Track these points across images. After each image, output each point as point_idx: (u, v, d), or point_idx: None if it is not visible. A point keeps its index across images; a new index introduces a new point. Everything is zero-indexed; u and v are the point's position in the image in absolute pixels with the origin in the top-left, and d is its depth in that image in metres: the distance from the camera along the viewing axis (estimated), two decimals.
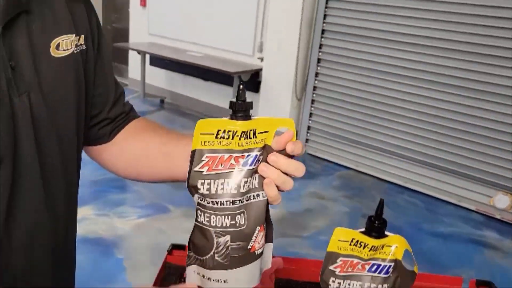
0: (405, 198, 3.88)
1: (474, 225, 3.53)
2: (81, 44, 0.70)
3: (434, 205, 3.80)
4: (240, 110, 0.58)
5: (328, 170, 4.34)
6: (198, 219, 0.60)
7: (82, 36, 0.70)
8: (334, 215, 3.49)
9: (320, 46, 4.33)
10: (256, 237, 0.61)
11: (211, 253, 0.60)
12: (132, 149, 0.82)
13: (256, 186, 0.60)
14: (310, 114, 4.56)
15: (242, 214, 0.59)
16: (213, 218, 0.59)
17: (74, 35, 0.67)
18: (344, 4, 4.13)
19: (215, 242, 0.59)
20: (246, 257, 0.61)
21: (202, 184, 0.58)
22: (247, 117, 0.59)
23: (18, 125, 0.59)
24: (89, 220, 3.06)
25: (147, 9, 5.99)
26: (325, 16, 4.25)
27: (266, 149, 0.61)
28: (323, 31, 4.29)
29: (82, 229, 2.94)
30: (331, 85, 4.35)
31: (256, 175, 0.60)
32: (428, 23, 3.67)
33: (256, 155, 0.59)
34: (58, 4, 0.66)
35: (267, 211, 0.63)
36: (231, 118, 0.59)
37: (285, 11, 4.51)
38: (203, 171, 0.58)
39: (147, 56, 5.81)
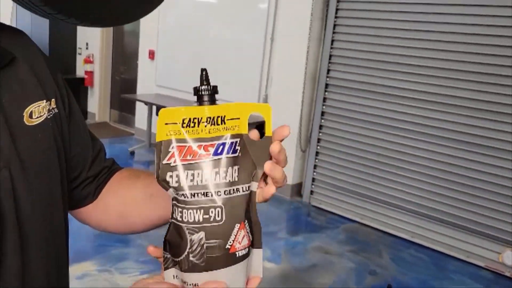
0: (412, 253, 3.80)
1: (483, 283, 3.43)
2: (53, 108, 0.69)
3: (442, 261, 3.72)
4: (205, 94, 0.54)
5: (333, 222, 4.29)
6: (173, 216, 0.55)
7: (53, 99, 0.69)
8: (340, 271, 3.42)
9: (324, 99, 4.40)
10: (235, 235, 0.54)
11: (185, 252, 0.54)
12: (118, 200, 0.80)
13: (236, 179, 0.54)
14: (315, 166, 4.57)
15: (217, 209, 0.53)
16: (185, 213, 0.53)
17: (45, 100, 0.67)
18: (347, 59, 4.23)
19: (188, 240, 0.53)
20: (225, 258, 0.54)
21: (171, 177, 0.53)
22: (213, 102, 0.55)
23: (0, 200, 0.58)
24: (90, 277, 3.01)
25: (155, 62, 6.16)
26: (328, 70, 4.35)
27: (243, 139, 0.55)
28: (326, 85, 4.37)
29: (83, 286, 2.89)
30: (335, 137, 4.38)
31: (236, 167, 0.54)
32: (432, 80, 3.74)
33: (232, 143, 0.54)
34: (23, 73, 0.66)
35: (253, 208, 0.57)
36: (197, 104, 0.55)
37: (289, 66, 4.62)
38: (170, 163, 0.53)
39: (154, 107, 5.91)
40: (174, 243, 0.55)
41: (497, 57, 3.42)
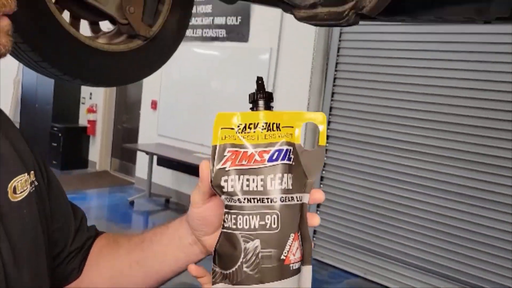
0: None
1: None
2: (33, 181, 0.67)
3: None
4: (261, 99, 0.54)
5: (336, 277, 4.17)
6: (225, 225, 0.54)
7: (32, 172, 0.68)
8: None
9: (325, 151, 4.39)
10: (290, 246, 0.53)
11: (239, 263, 0.52)
12: (103, 277, 0.77)
13: (291, 187, 0.54)
14: None
15: (273, 215, 0.52)
16: (239, 219, 0.52)
17: (26, 174, 0.66)
18: (347, 112, 4.27)
19: (242, 249, 0.52)
20: (279, 270, 0.52)
21: (226, 181, 0.53)
22: (269, 107, 0.55)
23: None
24: None
25: (157, 112, 6.22)
26: (329, 122, 4.38)
27: (295, 148, 0.55)
28: (327, 137, 4.38)
29: None
30: (337, 189, 4.34)
31: (290, 175, 0.54)
32: (434, 133, 3.76)
33: (287, 150, 0.54)
34: (4, 148, 0.65)
35: (303, 221, 0.56)
36: (252, 110, 0.55)
37: None
38: (225, 167, 0.53)
39: (155, 157, 5.92)
40: (225, 254, 0.53)
41: (495, 111, 3.45)
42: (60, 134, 7.06)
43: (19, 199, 0.63)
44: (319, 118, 0.57)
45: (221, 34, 5.58)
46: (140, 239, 0.75)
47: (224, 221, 0.54)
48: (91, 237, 0.80)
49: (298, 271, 0.55)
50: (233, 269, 0.53)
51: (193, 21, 5.85)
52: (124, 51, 1.57)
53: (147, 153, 5.77)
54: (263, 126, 0.54)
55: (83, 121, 7.41)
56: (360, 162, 4.18)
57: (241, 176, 0.53)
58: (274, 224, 0.52)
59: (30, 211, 0.65)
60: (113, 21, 1.53)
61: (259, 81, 0.56)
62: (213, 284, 0.55)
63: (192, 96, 5.77)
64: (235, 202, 0.53)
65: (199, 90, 5.69)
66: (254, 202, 0.52)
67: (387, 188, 4.02)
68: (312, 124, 0.57)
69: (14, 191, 0.63)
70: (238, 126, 0.54)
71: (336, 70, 4.35)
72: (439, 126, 3.72)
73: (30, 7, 1.29)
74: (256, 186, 0.53)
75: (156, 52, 1.70)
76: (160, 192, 6.09)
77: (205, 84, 5.63)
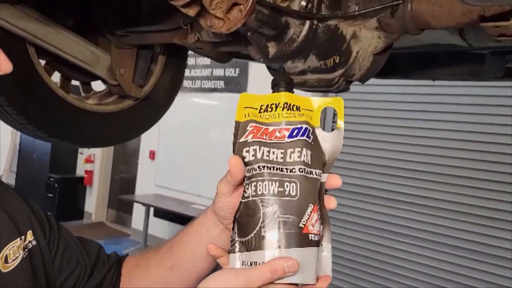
0: None
1: None
2: (29, 242, 0.67)
3: None
4: (283, 83, 0.58)
5: None
6: (245, 194, 0.56)
7: (29, 232, 0.67)
8: None
9: None
10: (309, 216, 0.54)
11: (257, 228, 0.53)
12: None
13: (309, 162, 0.56)
14: None
15: (292, 183, 0.54)
16: (259, 185, 0.54)
17: (18, 238, 0.65)
18: (344, 163, 4.23)
19: (261, 214, 0.53)
20: (298, 237, 0.53)
21: (247, 151, 0.56)
22: (290, 89, 0.58)
23: None
24: None
25: (155, 162, 6.19)
26: None
27: (314, 131, 0.58)
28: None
29: None
30: (334, 242, 4.24)
31: (309, 152, 0.56)
32: (427, 184, 3.71)
33: (307, 129, 0.57)
34: None
35: (322, 200, 0.58)
36: (273, 92, 0.59)
37: None
38: (247, 140, 0.57)
39: (151, 208, 5.82)
40: (244, 222, 0.55)
41: (492, 163, 3.42)
42: (56, 185, 6.99)
43: (11, 268, 0.62)
44: (337, 102, 0.60)
45: (219, 85, 5.65)
46: (168, 246, 0.77)
47: (244, 192, 0.56)
48: (112, 265, 0.82)
49: (317, 244, 0.55)
50: (252, 234, 0.54)
51: (192, 73, 5.93)
52: (115, 111, 1.54)
53: (143, 204, 5.68)
54: (284, 106, 0.57)
55: (80, 171, 7.36)
56: (357, 214, 4.10)
57: (262, 147, 0.56)
58: (293, 191, 0.54)
59: (24, 277, 0.64)
60: (105, 80, 1.51)
61: (281, 69, 0.61)
62: (229, 253, 0.56)
63: (191, 146, 5.76)
64: (255, 171, 0.55)
65: (197, 140, 5.68)
66: (273, 170, 0.55)
67: (384, 240, 3.93)
68: (331, 109, 0.62)
69: (6, 261, 0.62)
70: (261, 107, 0.58)
71: (333, 121, 4.35)
72: (438, 178, 3.68)
73: (17, 70, 1.27)
74: (276, 157, 0.56)
75: (148, 111, 1.67)
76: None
77: (204, 134, 5.63)
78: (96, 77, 1.50)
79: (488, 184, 3.46)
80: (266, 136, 0.57)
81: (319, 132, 0.59)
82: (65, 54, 1.30)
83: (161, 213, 5.87)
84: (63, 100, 1.38)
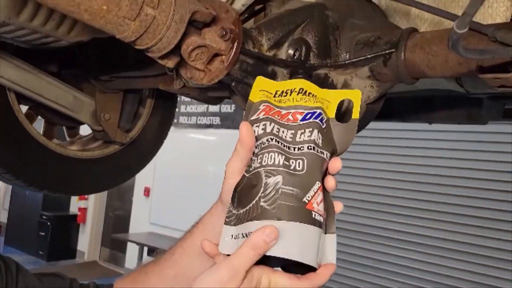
0: None
1: None
2: None
3: None
4: (301, 71, 0.60)
5: None
6: (249, 169, 0.54)
7: None
8: None
9: None
10: (315, 193, 0.51)
11: (257, 198, 0.50)
12: None
13: (320, 143, 0.54)
14: None
15: (299, 160, 0.52)
16: (265, 156, 0.52)
17: None
18: (345, 201, 4.15)
19: (263, 184, 0.51)
20: (300, 211, 0.49)
21: (258, 126, 0.55)
22: (308, 78, 0.58)
23: None
24: None
25: (150, 199, 6.09)
26: None
27: (329, 121, 0.57)
28: None
29: None
30: (332, 282, 4.11)
31: (321, 135, 0.55)
32: (419, 221, 3.63)
33: (321, 114, 0.55)
34: None
35: (326, 186, 0.55)
36: (291, 79, 0.59)
37: None
38: (259, 117, 0.56)
39: (145, 248, 5.68)
40: (244, 193, 0.52)
41: (494, 201, 3.36)
42: (48, 223, 6.84)
43: None
44: (355, 94, 0.59)
45: (215, 121, 5.62)
46: (169, 253, 0.71)
47: (249, 167, 0.54)
48: None
49: (320, 225, 0.51)
50: (250, 205, 0.51)
51: (188, 109, 5.92)
52: (100, 157, 1.48)
53: (137, 243, 5.55)
54: (299, 91, 0.57)
55: (74, 208, 7.23)
56: (349, 252, 4.01)
57: (273, 124, 0.54)
58: (300, 166, 0.52)
59: None
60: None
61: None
62: (224, 224, 0.53)
63: (187, 182, 5.67)
64: (264, 144, 0.54)
65: (193, 177, 5.60)
66: (281, 144, 0.53)
67: (375, 279, 3.82)
68: (347, 101, 0.60)
69: None
70: (276, 92, 0.58)
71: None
72: (437, 215, 3.61)
73: None
74: (285, 136, 0.54)
75: (136, 156, 1.61)
76: None
77: (200, 171, 5.55)
78: (81, 122, 1.45)
79: (482, 222, 3.40)
80: (278, 116, 0.56)
81: (333, 122, 0.57)
82: (46, 100, 1.24)
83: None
84: (44, 147, 1.32)
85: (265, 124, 0.55)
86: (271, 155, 0.52)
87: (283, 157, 0.52)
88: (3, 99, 1.21)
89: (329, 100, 0.58)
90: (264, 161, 0.52)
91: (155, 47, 0.67)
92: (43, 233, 6.83)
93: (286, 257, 0.48)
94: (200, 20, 0.69)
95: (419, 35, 0.78)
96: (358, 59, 0.82)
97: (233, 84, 0.82)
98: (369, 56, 0.80)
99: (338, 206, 0.57)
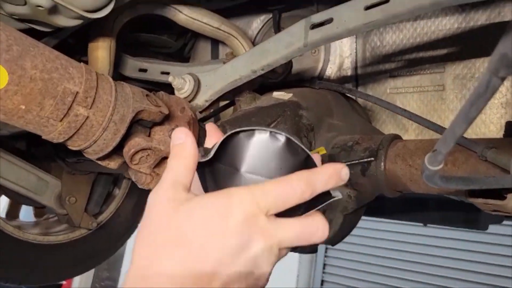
0: None
1: None
2: None
3: None
4: None
5: None
6: None
7: None
8: None
9: None
10: None
11: None
12: None
13: None
14: None
15: None
16: None
17: None
18: (338, 286, 3.92)
19: None
20: None
21: None
22: None
23: None
24: None
25: None
26: None
27: None
28: None
29: None
30: None
31: None
32: None
33: None
34: None
35: None
36: None
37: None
38: None
39: None
40: None
41: None
42: None
43: None
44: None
45: None
46: None
47: None
48: None
49: None
50: None
51: None
52: (64, 242, 1.36)
53: None
54: None
55: None
56: None
57: None
58: None
59: None
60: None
61: None
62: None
63: None
64: None
65: None
66: None
67: None
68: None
69: None
70: None
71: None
72: None
73: None
74: None
75: (106, 241, 1.49)
76: None
77: None
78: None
79: None
80: None
81: None
82: (5, 181, 1.15)
83: None
84: (1, 232, 1.20)
85: None
86: None
87: None
88: None
89: None
90: None
91: (90, 149, 0.58)
92: None
93: None
94: (148, 119, 0.61)
95: (401, 144, 0.69)
96: None
97: None
98: (345, 163, 0.71)
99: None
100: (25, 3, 0.74)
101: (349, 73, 1.02)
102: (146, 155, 0.61)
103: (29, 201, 1.36)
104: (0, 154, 1.13)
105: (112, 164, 0.62)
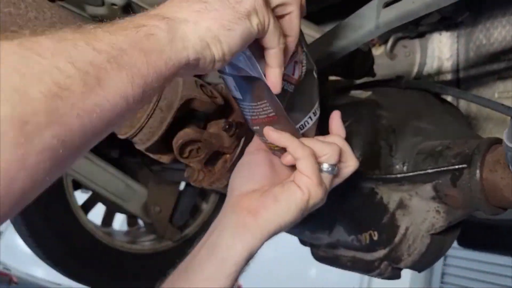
0: None
1: None
2: None
3: None
4: None
5: None
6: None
7: None
8: None
9: None
10: None
11: None
12: None
13: None
14: None
15: None
16: None
17: None
18: None
19: None
20: None
21: None
22: None
23: None
24: None
25: None
26: None
27: None
28: None
29: None
30: None
31: None
32: None
33: None
34: None
35: None
36: None
37: None
38: None
39: None
40: None
41: None
42: None
43: None
44: None
45: None
46: (183, 266, 0.54)
47: None
48: None
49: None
50: None
51: None
52: (149, 253, 1.37)
53: None
54: None
55: None
56: None
57: None
58: None
59: None
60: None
61: None
62: None
63: None
64: None
65: None
66: None
67: None
68: None
69: None
70: None
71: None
72: None
73: None
74: None
75: None
76: None
77: None
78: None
79: None
80: None
81: None
82: (96, 186, 1.20)
83: None
84: (91, 236, 1.25)
85: None
86: None
87: None
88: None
89: None
90: None
91: (136, 137, 0.55)
92: None
93: None
94: (200, 110, 0.57)
95: (502, 149, 0.55)
96: (416, 173, 0.61)
97: None
98: (429, 171, 0.59)
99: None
100: (103, 4, 0.76)
101: (449, 77, 0.89)
102: (197, 148, 0.57)
103: (121, 209, 1.41)
104: (94, 160, 1.18)
105: (164, 158, 0.59)
